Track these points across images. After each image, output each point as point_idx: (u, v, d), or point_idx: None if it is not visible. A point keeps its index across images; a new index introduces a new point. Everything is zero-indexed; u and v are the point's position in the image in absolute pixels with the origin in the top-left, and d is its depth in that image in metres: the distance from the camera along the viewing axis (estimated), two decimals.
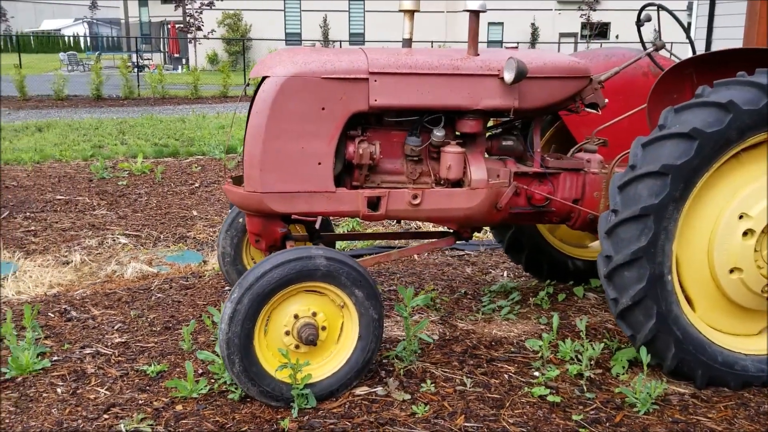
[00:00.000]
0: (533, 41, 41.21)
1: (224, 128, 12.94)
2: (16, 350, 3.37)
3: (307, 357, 3.00)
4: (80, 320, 3.98)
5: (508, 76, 3.21)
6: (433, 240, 3.92)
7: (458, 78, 3.26)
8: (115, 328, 3.88)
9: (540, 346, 3.48)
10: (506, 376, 3.28)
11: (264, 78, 3.15)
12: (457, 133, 3.45)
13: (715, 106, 2.89)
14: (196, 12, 31.37)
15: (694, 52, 3.88)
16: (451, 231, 3.82)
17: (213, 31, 33.12)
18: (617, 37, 40.36)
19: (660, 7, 3.79)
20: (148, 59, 36.61)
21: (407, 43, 3.40)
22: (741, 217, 3.01)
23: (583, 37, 40.39)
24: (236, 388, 3.06)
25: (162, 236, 5.90)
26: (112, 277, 4.86)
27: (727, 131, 2.87)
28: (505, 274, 4.92)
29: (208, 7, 31.87)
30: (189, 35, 32.47)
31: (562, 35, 41.57)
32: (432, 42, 30.88)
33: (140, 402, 3.06)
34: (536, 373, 3.29)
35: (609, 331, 3.80)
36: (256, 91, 3.16)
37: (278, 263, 2.88)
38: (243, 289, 2.85)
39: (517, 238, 4.42)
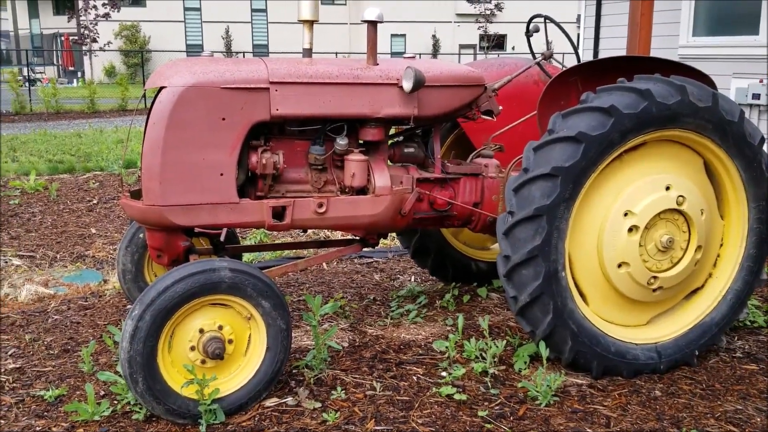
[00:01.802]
0: (435, 52, 42.15)
1: (123, 142, 12.51)
2: None
3: (214, 371, 2.95)
4: None
5: (407, 85, 3.30)
6: (340, 248, 3.96)
7: (359, 87, 3.31)
8: (9, 353, 3.68)
9: (446, 347, 3.57)
10: (415, 378, 3.34)
11: (161, 88, 3.09)
12: (360, 141, 3.50)
13: (598, 110, 3.07)
14: (91, 23, 30.16)
15: (578, 60, 4.10)
16: (358, 238, 3.87)
17: (110, 43, 31.96)
18: (513, 48, 41.91)
19: (547, 19, 3.99)
20: (41, 72, 34.92)
21: (307, 53, 3.43)
22: (626, 214, 3.19)
23: (481, 48, 41.64)
24: (141, 408, 2.97)
25: (59, 256, 5.64)
26: (4, 300, 4.60)
27: (610, 134, 3.05)
28: (413, 278, 5.01)
29: (104, 19, 30.72)
30: (84, 47, 31.19)
31: (462, 47, 42.77)
32: (336, 53, 30.99)
33: (37, 429, 2.91)
34: (443, 373, 3.37)
35: (511, 328, 3.95)
36: (153, 102, 3.10)
37: (181, 277, 2.83)
38: (144, 305, 2.77)
39: (422, 243, 4.52)
